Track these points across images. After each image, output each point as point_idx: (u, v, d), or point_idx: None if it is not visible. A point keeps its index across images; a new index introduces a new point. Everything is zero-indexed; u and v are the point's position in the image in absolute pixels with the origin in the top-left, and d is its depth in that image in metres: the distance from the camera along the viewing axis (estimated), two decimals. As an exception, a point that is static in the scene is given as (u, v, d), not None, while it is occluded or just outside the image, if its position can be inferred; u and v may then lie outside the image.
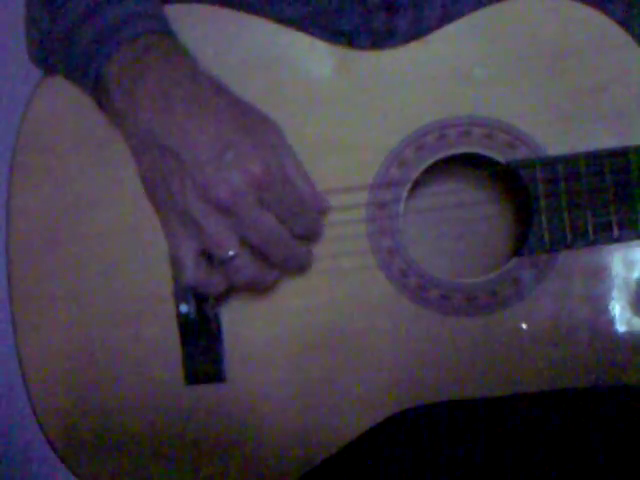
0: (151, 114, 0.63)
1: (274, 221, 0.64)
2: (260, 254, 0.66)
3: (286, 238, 0.66)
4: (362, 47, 0.71)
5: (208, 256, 0.66)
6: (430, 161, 0.70)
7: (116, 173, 0.73)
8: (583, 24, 0.68)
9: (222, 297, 0.71)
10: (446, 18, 0.70)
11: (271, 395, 0.71)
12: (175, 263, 0.67)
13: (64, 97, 0.73)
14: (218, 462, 0.72)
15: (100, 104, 0.70)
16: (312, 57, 0.71)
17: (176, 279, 0.72)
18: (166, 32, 0.68)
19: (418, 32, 0.71)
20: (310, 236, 0.69)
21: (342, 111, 0.71)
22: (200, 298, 0.71)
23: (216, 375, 0.72)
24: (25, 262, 0.74)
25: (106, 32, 0.66)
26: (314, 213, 0.68)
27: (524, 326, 0.68)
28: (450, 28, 0.70)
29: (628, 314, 0.68)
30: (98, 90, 0.68)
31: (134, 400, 0.73)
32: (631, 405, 0.72)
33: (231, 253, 0.64)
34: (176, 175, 0.63)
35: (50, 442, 0.75)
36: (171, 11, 0.71)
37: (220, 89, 0.66)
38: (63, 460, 0.75)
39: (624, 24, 0.69)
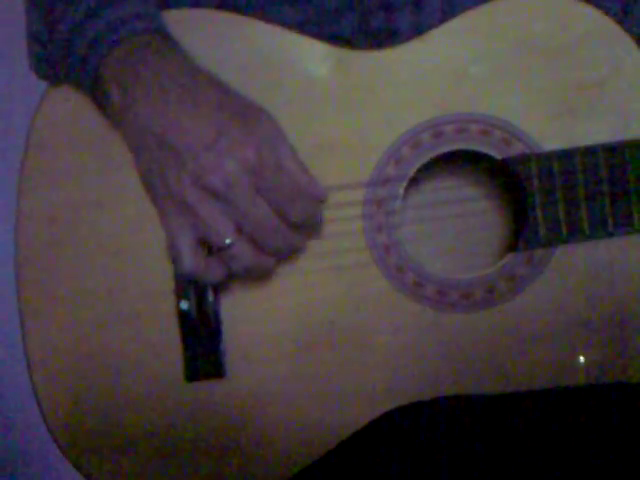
0: (148, 107, 0.65)
1: (268, 208, 0.65)
2: (256, 241, 0.66)
3: (280, 226, 0.66)
4: (362, 48, 0.72)
5: (206, 245, 0.67)
6: (426, 158, 0.70)
7: (119, 177, 0.73)
8: (578, 20, 0.69)
9: (220, 287, 0.71)
10: (446, 16, 0.71)
11: (270, 391, 0.72)
12: (172, 253, 0.67)
13: (71, 104, 0.75)
14: (218, 458, 0.72)
15: (99, 104, 0.71)
16: (310, 58, 0.72)
17: (177, 276, 0.72)
18: (161, 31, 0.69)
19: (419, 31, 0.71)
20: (307, 225, 0.69)
21: (339, 110, 0.71)
22: (200, 295, 0.72)
23: (216, 372, 0.72)
24: (32, 262, 0.75)
25: (103, 33, 0.67)
26: (310, 201, 0.67)
27: None
28: (446, 26, 0.70)
29: (625, 310, 0.68)
30: (97, 90, 0.70)
31: (135, 397, 0.73)
32: (631, 404, 0.71)
33: (228, 241, 0.65)
34: (172, 165, 0.64)
35: (55, 439, 0.75)
36: (171, 16, 0.72)
37: (214, 81, 0.67)
38: (67, 456, 0.75)
39: (620, 21, 0.69)
